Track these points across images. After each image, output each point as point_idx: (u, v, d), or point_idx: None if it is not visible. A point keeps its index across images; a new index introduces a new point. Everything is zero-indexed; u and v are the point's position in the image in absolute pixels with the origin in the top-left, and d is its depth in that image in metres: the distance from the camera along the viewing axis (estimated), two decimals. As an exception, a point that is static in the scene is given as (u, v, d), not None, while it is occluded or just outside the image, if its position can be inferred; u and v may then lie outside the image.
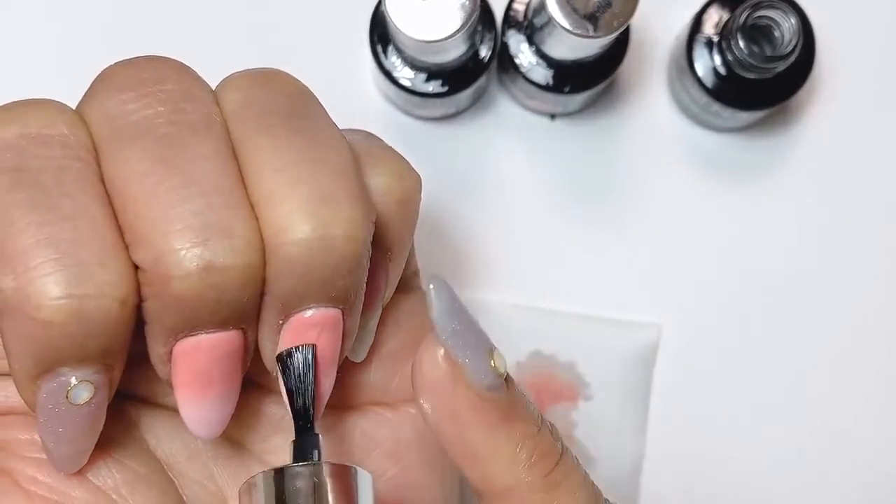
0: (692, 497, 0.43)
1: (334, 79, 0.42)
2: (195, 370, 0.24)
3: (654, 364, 0.43)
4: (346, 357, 0.27)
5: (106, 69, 0.25)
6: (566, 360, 0.42)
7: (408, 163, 0.27)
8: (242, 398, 0.27)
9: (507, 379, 0.24)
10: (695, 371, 0.43)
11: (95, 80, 0.25)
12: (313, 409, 0.25)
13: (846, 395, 0.43)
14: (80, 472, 0.26)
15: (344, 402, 0.29)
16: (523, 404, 0.24)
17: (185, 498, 0.28)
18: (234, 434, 0.28)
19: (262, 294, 0.24)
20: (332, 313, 0.25)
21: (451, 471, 0.30)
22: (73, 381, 0.23)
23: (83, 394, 0.23)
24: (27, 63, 0.42)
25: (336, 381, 0.28)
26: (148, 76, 0.24)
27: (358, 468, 0.24)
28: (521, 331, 0.42)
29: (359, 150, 0.26)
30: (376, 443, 0.29)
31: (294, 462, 0.24)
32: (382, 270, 0.27)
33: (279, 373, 0.25)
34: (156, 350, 0.24)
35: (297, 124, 0.25)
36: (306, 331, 0.25)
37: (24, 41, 0.43)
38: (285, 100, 0.25)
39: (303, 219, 0.23)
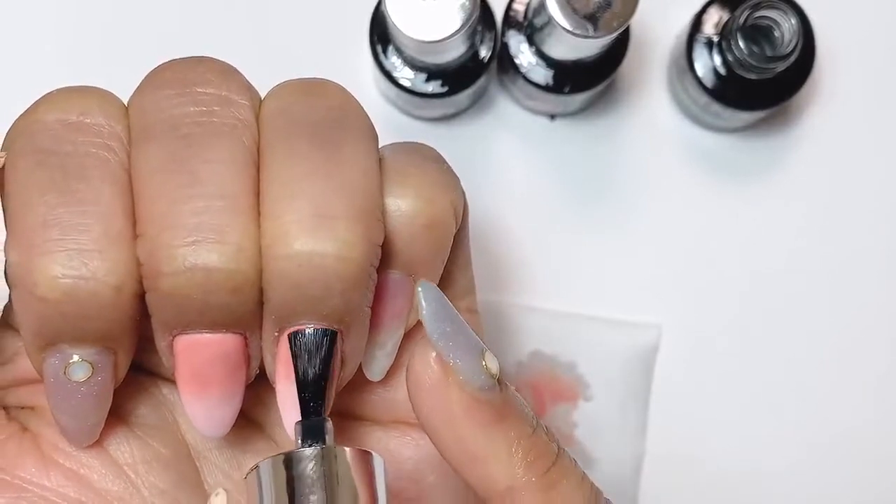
0: (692, 497, 0.43)
1: (334, 79, 0.42)
2: (192, 368, 0.24)
3: (655, 364, 0.43)
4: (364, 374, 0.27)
5: (159, 65, 0.25)
6: (567, 361, 0.42)
7: (446, 185, 0.26)
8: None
9: (500, 380, 0.24)
10: (695, 371, 0.43)
11: (147, 74, 0.25)
12: (323, 392, 0.25)
13: (847, 394, 0.43)
14: (101, 445, 0.26)
15: (370, 415, 0.29)
16: (517, 405, 0.24)
17: (206, 486, 0.28)
18: (268, 428, 0.29)
19: (262, 303, 0.24)
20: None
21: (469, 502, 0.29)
22: (75, 358, 0.24)
23: (80, 372, 0.24)
24: (27, 63, 0.43)
25: (358, 394, 0.28)
26: (190, 77, 0.25)
27: (373, 452, 0.24)
28: (521, 331, 0.42)
29: (392, 169, 0.25)
30: (398, 462, 0.28)
31: (301, 446, 0.24)
32: (404, 293, 0.26)
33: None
34: (159, 343, 0.25)
35: (324, 137, 0.24)
36: None
37: (25, 40, 0.43)
38: (322, 111, 0.25)
39: (295, 234, 0.23)
